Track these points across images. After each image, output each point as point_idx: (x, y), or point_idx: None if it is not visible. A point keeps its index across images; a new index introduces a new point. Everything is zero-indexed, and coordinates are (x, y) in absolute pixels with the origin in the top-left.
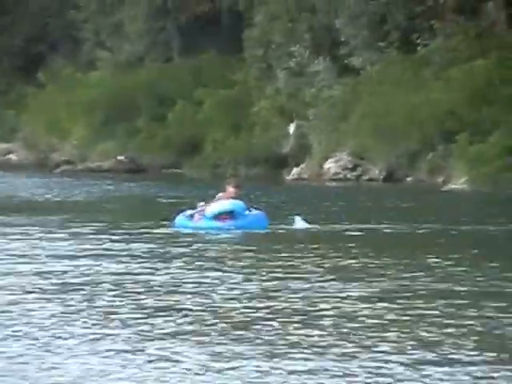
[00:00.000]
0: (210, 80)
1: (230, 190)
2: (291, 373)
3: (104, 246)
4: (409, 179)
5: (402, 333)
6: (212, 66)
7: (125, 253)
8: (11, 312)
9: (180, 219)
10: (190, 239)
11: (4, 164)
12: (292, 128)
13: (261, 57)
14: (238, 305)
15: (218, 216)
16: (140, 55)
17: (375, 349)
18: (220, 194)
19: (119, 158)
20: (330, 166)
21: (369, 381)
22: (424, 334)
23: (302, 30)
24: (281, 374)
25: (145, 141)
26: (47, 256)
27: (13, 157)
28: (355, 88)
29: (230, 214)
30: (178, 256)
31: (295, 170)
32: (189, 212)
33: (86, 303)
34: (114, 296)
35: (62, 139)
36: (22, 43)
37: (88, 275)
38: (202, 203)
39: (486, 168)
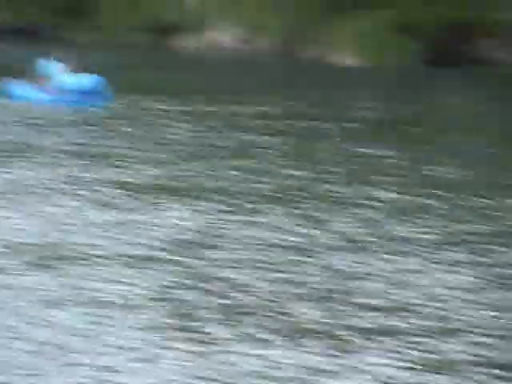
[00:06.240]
0: None
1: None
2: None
3: None
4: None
5: None
6: None
7: None
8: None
9: (19, 90)
10: None
11: None
12: None
13: None
14: None
15: (81, 91)
16: None
17: None
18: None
19: None
20: (223, 36)
21: None
22: None
23: None
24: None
25: None
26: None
27: None
28: None
29: (92, 91)
30: None
31: (188, 39)
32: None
33: None
34: None
35: None
36: None
37: None
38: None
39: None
